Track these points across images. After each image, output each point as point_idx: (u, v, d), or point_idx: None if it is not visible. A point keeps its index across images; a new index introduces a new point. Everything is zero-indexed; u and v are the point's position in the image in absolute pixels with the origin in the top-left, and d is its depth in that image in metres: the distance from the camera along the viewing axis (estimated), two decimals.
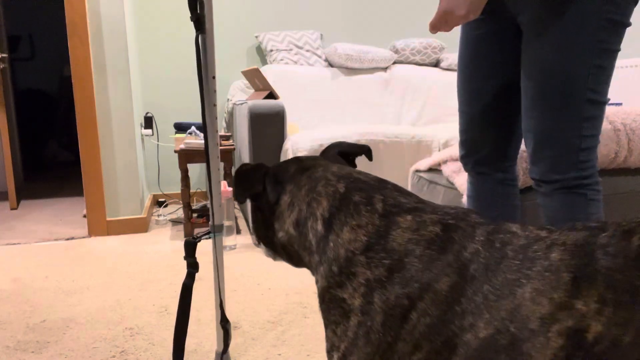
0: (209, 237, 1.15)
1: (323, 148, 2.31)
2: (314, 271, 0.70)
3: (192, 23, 1.09)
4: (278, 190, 0.77)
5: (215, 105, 1.11)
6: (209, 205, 2.90)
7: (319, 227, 0.68)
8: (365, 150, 0.88)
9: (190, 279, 1.08)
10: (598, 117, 1.01)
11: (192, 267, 1.08)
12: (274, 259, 0.85)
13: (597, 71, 0.98)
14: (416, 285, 0.56)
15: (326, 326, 0.64)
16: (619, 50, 1.00)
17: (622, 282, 0.47)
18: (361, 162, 2.40)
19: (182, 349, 1.09)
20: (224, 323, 1.14)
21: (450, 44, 3.78)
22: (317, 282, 0.68)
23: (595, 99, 1.00)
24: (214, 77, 1.08)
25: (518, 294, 0.51)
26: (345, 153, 0.87)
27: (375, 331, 0.57)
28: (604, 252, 0.49)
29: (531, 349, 0.49)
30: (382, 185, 0.69)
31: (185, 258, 1.08)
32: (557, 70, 0.99)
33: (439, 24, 1.01)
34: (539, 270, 0.51)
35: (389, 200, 0.65)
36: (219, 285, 1.18)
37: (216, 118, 1.12)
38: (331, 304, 0.63)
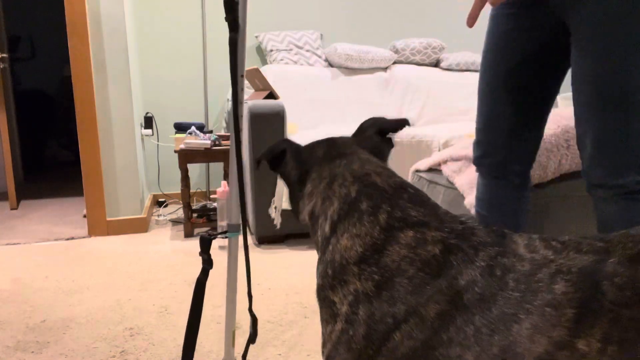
0: (225, 237, 1.15)
1: None
2: (318, 264, 0.71)
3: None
4: (299, 169, 0.77)
5: (242, 103, 1.13)
6: (209, 205, 2.86)
7: (327, 227, 0.69)
8: (402, 124, 0.84)
9: (205, 275, 1.09)
10: None
11: (207, 263, 1.09)
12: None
13: None
14: (402, 307, 0.55)
15: (321, 320, 0.65)
16: None
17: (628, 318, 0.45)
18: None
19: (193, 344, 1.10)
20: (252, 313, 1.14)
21: (450, 44, 3.78)
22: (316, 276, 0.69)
23: None
24: (242, 76, 1.10)
25: (514, 330, 0.49)
26: (382, 130, 0.84)
27: (357, 342, 0.57)
28: (611, 283, 0.47)
29: None
30: (396, 193, 0.66)
31: (200, 254, 1.10)
32: (616, 73, 0.96)
33: (479, 11, 0.99)
34: (539, 305, 0.49)
35: (395, 213, 0.63)
36: (232, 283, 1.18)
37: (242, 116, 1.14)
38: (323, 303, 0.64)
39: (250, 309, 1.12)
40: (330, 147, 0.78)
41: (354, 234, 0.63)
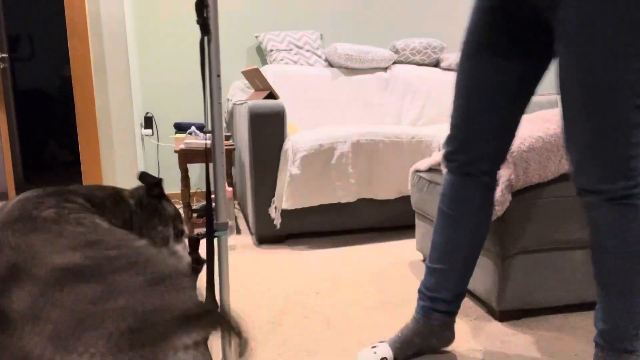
0: (215, 236, 1.16)
1: (323, 148, 2.32)
2: None
3: (192, 23, 1.14)
4: None
5: (220, 103, 1.16)
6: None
7: None
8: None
9: (195, 274, 1.11)
10: None
11: (197, 262, 1.11)
12: None
13: None
14: None
15: None
16: None
17: None
18: (361, 163, 2.40)
19: None
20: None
21: (450, 44, 3.78)
22: None
23: None
24: (218, 76, 1.13)
25: None
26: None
27: None
28: None
29: None
30: None
31: (189, 254, 1.11)
32: (604, 74, 0.94)
33: None
34: None
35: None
36: (222, 284, 1.18)
37: (220, 115, 1.18)
38: None
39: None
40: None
41: None
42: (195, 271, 1.11)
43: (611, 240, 1.01)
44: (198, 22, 1.06)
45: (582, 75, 0.96)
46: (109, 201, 1.00)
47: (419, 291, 1.33)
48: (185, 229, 1.12)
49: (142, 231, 1.08)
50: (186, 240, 1.14)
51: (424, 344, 1.32)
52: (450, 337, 1.34)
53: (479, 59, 1.15)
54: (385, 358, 1.29)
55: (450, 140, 1.24)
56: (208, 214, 1.10)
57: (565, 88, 1.00)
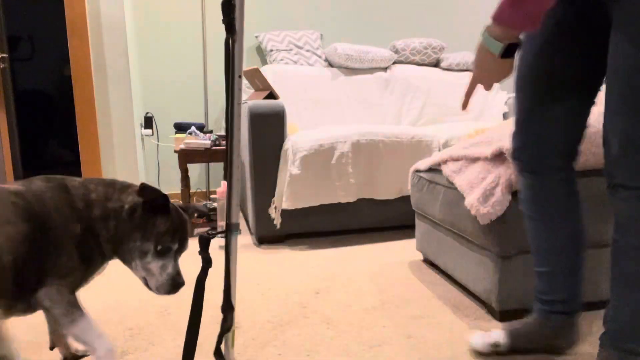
0: (224, 236, 1.17)
1: (323, 148, 2.32)
2: None
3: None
4: None
5: (239, 104, 1.15)
6: (209, 205, 2.85)
7: None
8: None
9: (204, 274, 1.12)
10: None
11: (207, 262, 1.12)
12: None
13: None
14: None
15: None
16: None
17: None
18: (361, 163, 2.40)
19: (194, 342, 1.11)
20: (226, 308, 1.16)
21: (450, 44, 3.78)
22: None
23: None
24: (240, 77, 1.11)
25: None
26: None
27: None
28: None
29: None
30: None
31: (199, 253, 1.12)
32: None
33: (471, 94, 1.04)
34: None
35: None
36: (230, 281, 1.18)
37: (239, 116, 1.16)
38: None
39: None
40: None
41: None
42: (204, 270, 1.12)
43: (636, 237, 0.99)
44: (224, 21, 1.05)
45: (627, 64, 0.95)
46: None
47: (535, 296, 1.32)
48: (175, 246, 1.10)
49: (122, 240, 1.08)
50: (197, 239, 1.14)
51: (546, 343, 1.30)
52: (575, 339, 1.30)
53: (543, 53, 1.14)
54: (499, 342, 1.29)
55: (516, 136, 1.21)
56: (227, 216, 1.10)
57: (614, 77, 0.98)
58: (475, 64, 1.03)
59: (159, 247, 1.08)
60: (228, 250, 1.12)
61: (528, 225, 1.28)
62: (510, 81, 3.95)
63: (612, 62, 0.99)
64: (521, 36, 0.98)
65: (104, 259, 1.12)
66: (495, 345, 1.30)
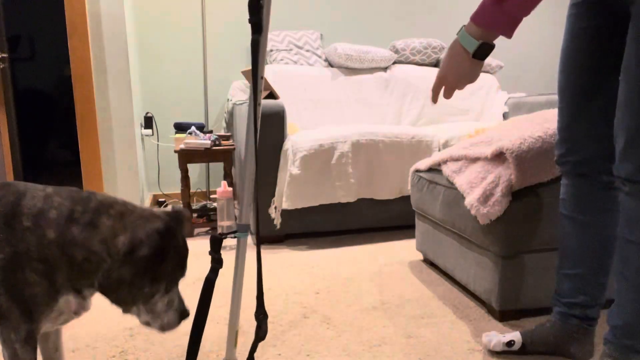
0: (235, 237, 1.16)
1: (323, 148, 2.32)
2: None
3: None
4: None
5: (260, 104, 1.14)
6: (209, 205, 2.85)
7: None
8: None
9: (214, 274, 1.10)
10: None
11: (217, 262, 1.10)
12: None
13: None
14: None
15: None
16: None
17: None
18: (361, 163, 2.40)
19: (199, 341, 1.10)
20: (260, 315, 1.13)
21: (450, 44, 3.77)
22: None
23: None
24: (262, 77, 1.11)
25: None
26: None
27: None
28: None
29: None
30: None
31: (210, 253, 1.11)
32: None
33: (438, 89, 1.04)
34: None
35: None
36: (236, 286, 1.18)
37: (259, 118, 1.15)
38: None
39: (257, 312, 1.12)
40: None
41: None
42: (215, 271, 1.10)
43: None
44: (250, 20, 1.04)
45: (635, 62, 0.96)
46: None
47: (553, 299, 1.33)
48: (184, 273, 0.96)
49: (118, 286, 0.87)
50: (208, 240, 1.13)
51: (560, 347, 1.30)
52: (589, 349, 1.30)
53: (578, 62, 1.16)
54: (513, 341, 1.30)
55: (560, 143, 1.23)
56: (256, 219, 1.07)
57: (626, 73, 1.00)
58: (445, 60, 1.04)
59: (168, 287, 0.93)
60: (259, 257, 1.08)
61: (564, 227, 1.28)
62: (510, 81, 3.95)
63: (625, 58, 1.00)
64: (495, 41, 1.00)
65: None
66: (509, 344, 1.31)
